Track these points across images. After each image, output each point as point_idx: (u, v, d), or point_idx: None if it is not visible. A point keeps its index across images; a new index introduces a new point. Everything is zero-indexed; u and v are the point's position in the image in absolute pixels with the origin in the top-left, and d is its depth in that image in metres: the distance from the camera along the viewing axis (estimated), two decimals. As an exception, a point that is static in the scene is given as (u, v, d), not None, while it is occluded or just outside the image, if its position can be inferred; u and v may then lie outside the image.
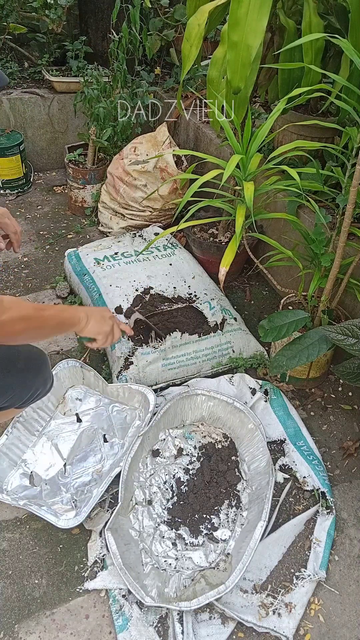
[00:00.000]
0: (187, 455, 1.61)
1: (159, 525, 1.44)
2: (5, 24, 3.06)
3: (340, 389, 1.91)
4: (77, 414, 1.70)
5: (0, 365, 1.26)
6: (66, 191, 2.94)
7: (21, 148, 2.88)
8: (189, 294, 2.06)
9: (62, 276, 2.34)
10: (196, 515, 1.46)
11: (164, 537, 1.42)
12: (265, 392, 1.77)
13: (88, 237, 2.67)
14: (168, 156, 2.44)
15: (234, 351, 1.90)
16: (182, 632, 1.23)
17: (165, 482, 1.53)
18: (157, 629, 1.26)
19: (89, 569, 1.37)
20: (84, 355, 1.97)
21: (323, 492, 1.52)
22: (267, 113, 2.51)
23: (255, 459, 1.56)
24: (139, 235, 2.40)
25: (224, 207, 1.78)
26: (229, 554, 1.38)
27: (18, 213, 2.83)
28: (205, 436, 1.67)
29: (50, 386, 1.42)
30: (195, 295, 2.05)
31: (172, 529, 1.43)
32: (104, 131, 2.55)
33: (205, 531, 1.43)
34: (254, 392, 1.78)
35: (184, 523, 1.44)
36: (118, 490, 1.43)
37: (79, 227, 2.73)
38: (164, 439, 1.64)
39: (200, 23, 1.71)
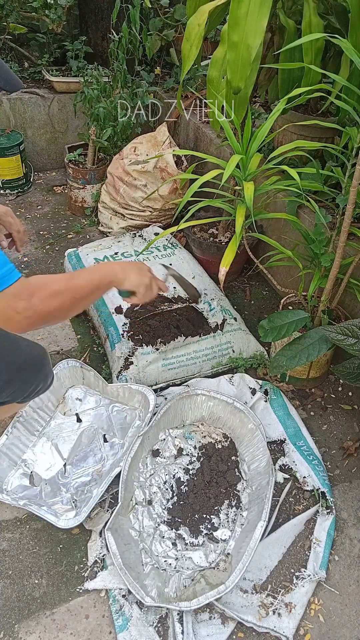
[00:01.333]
0: (187, 455, 1.61)
1: (159, 525, 1.44)
2: (5, 24, 3.06)
3: (340, 389, 1.91)
4: (77, 414, 1.70)
5: (2, 360, 1.26)
6: (66, 191, 2.94)
7: (21, 148, 2.88)
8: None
9: (62, 276, 2.34)
10: (196, 515, 1.46)
11: (164, 537, 1.42)
12: (265, 392, 1.77)
13: (88, 237, 2.67)
14: (168, 156, 2.44)
15: (234, 351, 1.90)
16: (182, 632, 1.23)
17: (165, 482, 1.53)
18: (157, 629, 1.26)
19: (89, 569, 1.37)
20: (84, 355, 1.97)
21: (323, 492, 1.52)
22: (267, 113, 2.51)
23: (255, 459, 1.56)
24: (139, 235, 2.40)
25: (224, 207, 1.78)
26: (229, 554, 1.38)
27: (18, 213, 2.83)
28: (205, 436, 1.67)
29: (51, 382, 1.42)
30: (195, 295, 2.05)
31: (172, 529, 1.43)
32: (104, 131, 2.55)
33: (205, 531, 1.43)
34: (254, 392, 1.78)
35: (184, 523, 1.44)
36: (118, 490, 1.43)
37: (79, 227, 2.73)
38: (164, 439, 1.64)
39: (200, 23, 1.71)
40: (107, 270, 1.18)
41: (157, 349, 1.79)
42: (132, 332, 1.85)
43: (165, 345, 1.79)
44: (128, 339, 1.84)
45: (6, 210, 1.44)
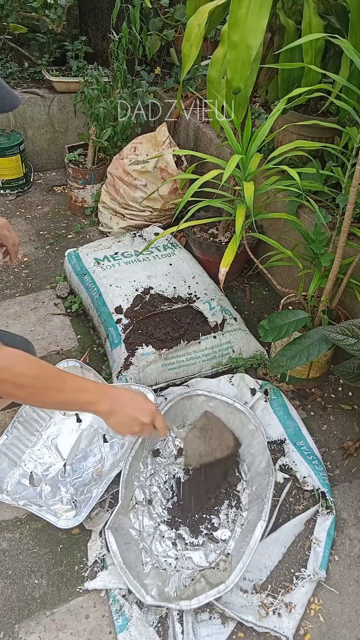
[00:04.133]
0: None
1: (159, 524, 1.44)
2: (5, 24, 3.06)
3: (340, 389, 1.91)
4: (77, 414, 1.70)
5: None
6: (66, 191, 2.95)
7: (21, 148, 2.88)
8: (189, 294, 2.06)
9: (62, 276, 2.34)
10: (196, 515, 1.45)
11: (164, 536, 1.42)
12: (265, 392, 1.77)
13: (88, 237, 2.67)
14: (168, 156, 2.44)
15: (234, 351, 1.90)
16: (182, 632, 1.23)
17: (165, 482, 1.53)
18: (157, 628, 1.26)
19: (89, 569, 1.37)
20: (84, 355, 1.97)
21: (323, 492, 1.52)
22: (267, 113, 2.51)
23: (256, 459, 1.56)
24: (139, 235, 2.40)
25: (224, 207, 1.78)
26: (228, 554, 1.38)
27: (18, 213, 2.83)
28: (205, 436, 1.68)
29: None
30: (195, 295, 2.05)
31: (172, 529, 1.43)
32: (104, 131, 2.55)
33: (205, 531, 1.43)
34: (254, 392, 1.78)
35: (184, 523, 1.44)
36: (118, 490, 1.43)
37: (79, 227, 2.73)
38: (165, 439, 1.64)
39: (200, 23, 1.71)
40: (95, 399, 1.05)
41: (159, 353, 1.79)
42: (132, 332, 1.85)
43: (167, 350, 1.79)
44: (128, 339, 1.84)
45: (3, 224, 1.45)
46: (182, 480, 1.53)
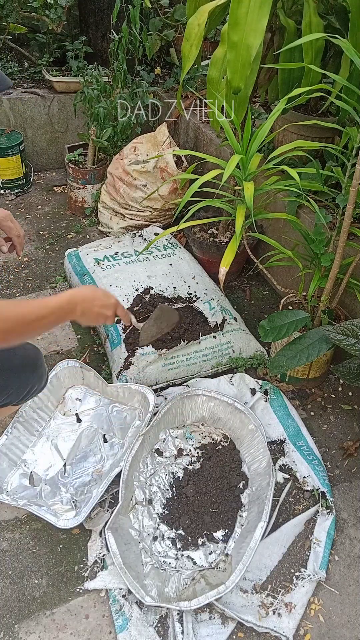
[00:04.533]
0: (188, 455, 1.61)
1: (159, 525, 1.44)
2: (5, 24, 3.06)
3: (340, 389, 1.91)
4: (77, 414, 1.70)
5: None
6: (66, 191, 2.95)
7: (21, 148, 2.88)
8: (189, 294, 2.06)
9: (62, 276, 2.34)
10: (196, 514, 1.45)
11: (164, 536, 1.42)
12: (265, 392, 1.77)
13: (88, 237, 2.67)
14: (168, 156, 2.44)
15: (234, 351, 1.90)
16: (182, 632, 1.23)
17: (165, 482, 1.53)
18: (157, 629, 1.26)
19: (89, 569, 1.37)
20: (84, 355, 1.97)
21: (323, 492, 1.52)
22: (267, 113, 2.51)
23: (256, 460, 1.56)
24: (139, 235, 2.40)
25: (224, 207, 1.78)
26: (228, 554, 1.38)
27: (18, 213, 2.83)
28: (205, 436, 1.67)
29: (46, 382, 1.43)
30: (195, 295, 2.05)
31: (172, 529, 1.43)
32: (104, 131, 2.55)
33: (205, 531, 1.43)
34: (253, 392, 1.78)
35: (184, 523, 1.44)
36: (118, 490, 1.43)
37: (79, 227, 2.73)
38: (165, 439, 1.64)
39: (200, 23, 1.70)
40: (70, 310, 1.16)
41: (159, 353, 1.79)
42: (132, 332, 1.85)
43: (167, 350, 1.79)
44: (128, 339, 1.84)
45: (6, 215, 1.42)
46: (182, 480, 1.53)
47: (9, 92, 3.00)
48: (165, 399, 1.72)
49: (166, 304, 1.83)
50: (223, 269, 1.56)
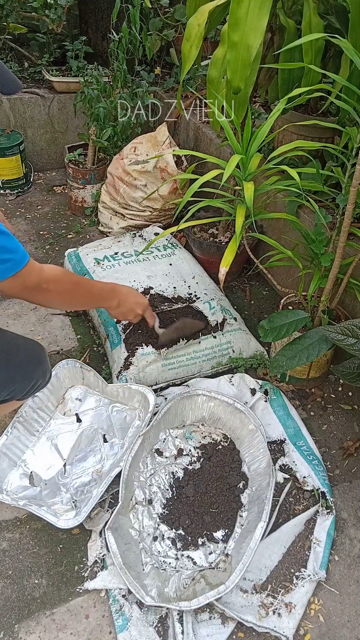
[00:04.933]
0: (188, 455, 1.61)
1: (159, 525, 1.44)
2: (5, 24, 3.06)
3: (340, 389, 1.91)
4: (77, 414, 1.70)
5: (1, 358, 1.28)
6: (66, 191, 2.94)
7: (21, 148, 2.88)
8: (189, 294, 2.06)
9: (62, 276, 2.34)
10: (196, 513, 1.45)
11: (164, 536, 1.42)
12: (265, 392, 1.77)
13: (88, 237, 2.67)
14: (168, 156, 2.44)
15: (234, 351, 1.90)
16: (182, 632, 1.23)
17: (165, 482, 1.53)
18: (157, 629, 1.26)
19: (89, 569, 1.37)
20: (84, 355, 1.97)
21: (323, 492, 1.52)
22: (267, 113, 2.51)
23: (256, 460, 1.56)
24: (139, 235, 2.40)
25: (224, 207, 1.78)
26: (228, 554, 1.38)
27: (18, 213, 2.83)
28: (205, 436, 1.67)
29: (49, 378, 1.46)
30: (195, 295, 2.05)
31: (172, 529, 1.43)
32: (104, 131, 2.55)
33: (205, 531, 1.43)
34: (253, 392, 1.78)
35: (184, 523, 1.44)
36: (118, 490, 1.43)
37: (79, 227, 2.73)
38: (165, 439, 1.64)
39: (200, 23, 1.70)
40: (109, 296, 1.38)
41: (159, 353, 1.79)
42: (132, 332, 1.85)
43: (167, 350, 1.79)
44: (128, 339, 1.84)
45: None
46: (182, 480, 1.53)
47: (9, 91, 3.00)
48: (165, 399, 1.72)
49: (189, 318, 1.85)
50: (223, 269, 1.56)
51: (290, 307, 1.87)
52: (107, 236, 2.60)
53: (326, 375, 1.93)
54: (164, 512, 1.47)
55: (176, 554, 1.38)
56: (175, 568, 1.36)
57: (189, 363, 1.83)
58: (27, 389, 1.36)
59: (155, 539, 1.41)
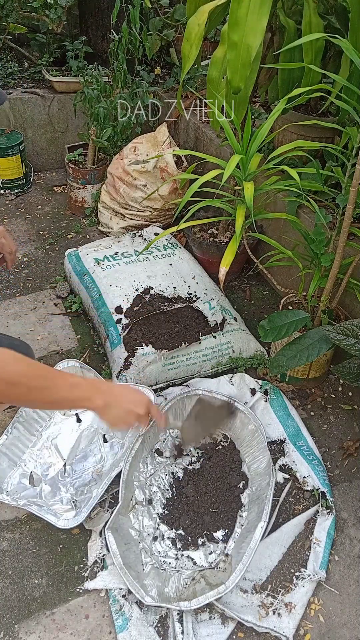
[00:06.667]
0: (187, 455, 1.61)
1: (159, 525, 1.44)
2: (5, 24, 3.06)
3: (340, 389, 1.91)
4: (77, 414, 1.70)
5: None
6: (66, 191, 2.94)
7: (21, 148, 2.88)
8: (189, 294, 2.06)
9: (62, 276, 2.34)
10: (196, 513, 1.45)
11: (164, 536, 1.42)
12: (265, 392, 1.77)
13: (88, 237, 2.67)
14: (168, 156, 2.44)
15: (234, 351, 1.90)
16: (182, 632, 1.23)
17: (165, 482, 1.53)
18: (157, 629, 1.26)
19: (89, 569, 1.37)
20: (84, 355, 1.97)
21: (323, 492, 1.52)
22: (267, 113, 2.51)
23: (256, 460, 1.56)
24: (139, 235, 2.40)
25: (224, 207, 1.78)
26: (228, 554, 1.38)
27: (18, 213, 2.83)
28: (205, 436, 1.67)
29: None
30: (195, 295, 2.05)
31: (172, 529, 1.43)
32: (104, 131, 2.55)
33: (205, 531, 1.43)
34: (253, 392, 1.78)
35: (184, 523, 1.44)
36: (118, 490, 1.43)
37: (79, 227, 2.73)
38: (165, 439, 1.64)
39: (200, 23, 1.70)
40: (88, 394, 1.03)
41: (159, 353, 1.79)
42: (132, 332, 1.85)
43: (167, 351, 1.79)
44: (128, 339, 1.84)
45: (0, 231, 1.46)
46: (182, 480, 1.53)
47: (9, 92, 3.00)
48: (165, 398, 1.72)
49: (207, 394, 1.65)
50: (223, 269, 1.56)
51: (290, 307, 1.87)
52: (107, 236, 2.60)
53: (326, 375, 1.93)
54: (164, 512, 1.47)
55: (176, 554, 1.38)
56: (175, 568, 1.36)
57: (188, 363, 1.83)
58: None
59: (155, 539, 1.41)
